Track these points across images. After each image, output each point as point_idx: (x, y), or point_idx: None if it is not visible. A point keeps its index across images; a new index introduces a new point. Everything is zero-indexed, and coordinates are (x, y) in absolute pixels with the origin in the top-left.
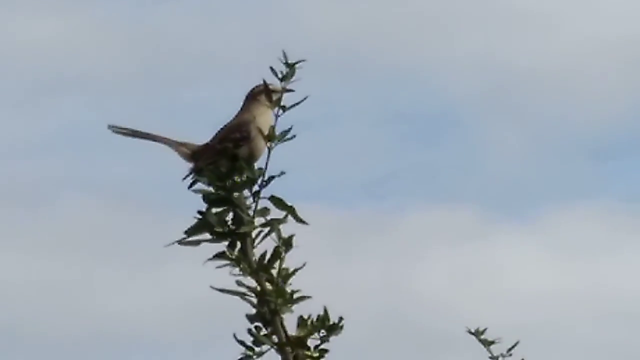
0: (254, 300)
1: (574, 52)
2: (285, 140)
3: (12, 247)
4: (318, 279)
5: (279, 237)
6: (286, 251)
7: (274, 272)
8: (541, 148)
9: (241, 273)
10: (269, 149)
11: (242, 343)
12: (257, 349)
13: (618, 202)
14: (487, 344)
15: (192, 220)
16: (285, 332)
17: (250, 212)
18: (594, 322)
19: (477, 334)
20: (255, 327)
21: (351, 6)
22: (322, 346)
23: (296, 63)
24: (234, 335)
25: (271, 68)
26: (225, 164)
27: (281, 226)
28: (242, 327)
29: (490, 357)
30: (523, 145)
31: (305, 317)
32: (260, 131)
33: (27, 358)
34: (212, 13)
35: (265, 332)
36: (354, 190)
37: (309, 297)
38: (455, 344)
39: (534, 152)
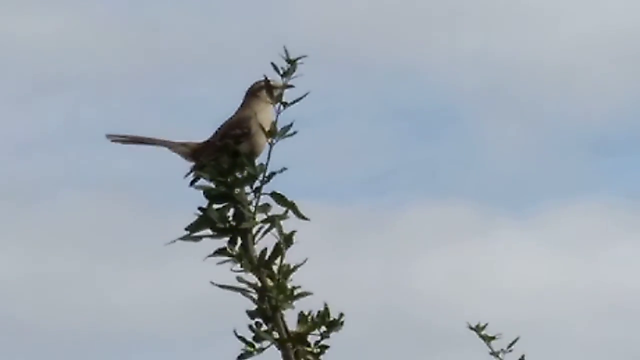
0: (255, 296)
1: (574, 47)
2: (286, 137)
3: (13, 244)
4: (319, 275)
5: (280, 233)
6: (287, 247)
7: (275, 268)
8: (541, 144)
9: (242, 269)
10: (270, 145)
11: (242, 339)
12: (257, 345)
13: (618, 197)
14: (488, 339)
15: (193, 217)
16: (286, 328)
17: (252, 208)
18: (594, 318)
19: (477, 329)
20: (256, 323)
21: (352, 3)
22: (322, 342)
23: (297, 59)
24: (235, 331)
25: (272, 64)
26: (227, 161)
27: (282, 222)
28: (243, 323)
29: (490, 353)
30: (523, 141)
31: (306, 313)
32: (261, 127)
33: (27, 354)
34: (212, 9)
35: (266, 328)
36: (354, 187)
37: (309, 293)
38: (455, 339)
39: (533, 148)
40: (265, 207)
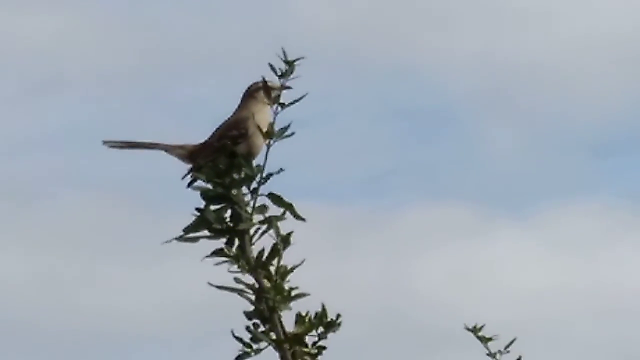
0: (252, 297)
1: (573, 48)
2: (283, 137)
3: (11, 244)
4: (316, 276)
5: (277, 234)
6: (284, 248)
7: (272, 269)
8: (540, 145)
9: (239, 270)
10: (268, 146)
11: (240, 340)
12: (255, 346)
13: (617, 198)
14: (485, 340)
15: (190, 218)
16: (283, 329)
17: (249, 209)
18: (593, 318)
19: (474, 330)
20: (254, 324)
21: (350, 3)
22: (320, 343)
23: (295, 60)
24: (232, 332)
25: (270, 65)
26: (224, 162)
27: (279, 223)
28: (240, 324)
29: (487, 354)
30: (522, 142)
31: (303, 314)
32: (259, 128)
33: (26, 354)
34: (211, 10)
35: (263, 329)
36: (352, 187)
37: (307, 294)
38: (453, 340)
39: (532, 149)
40: (263, 208)
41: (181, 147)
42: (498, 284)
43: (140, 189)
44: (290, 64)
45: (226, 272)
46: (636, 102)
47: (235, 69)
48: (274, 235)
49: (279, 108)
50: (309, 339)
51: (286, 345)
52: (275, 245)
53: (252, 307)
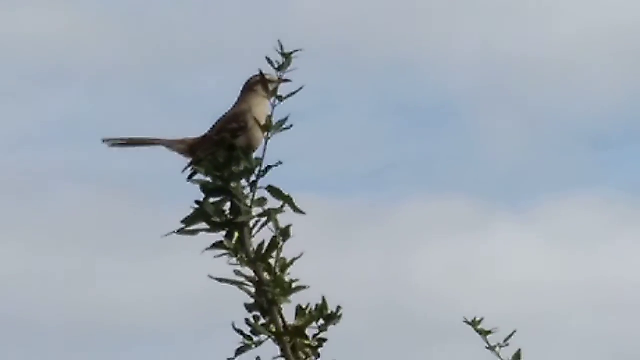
0: (252, 289)
1: (572, 42)
2: (282, 130)
3: (10, 238)
4: (316, 269)
5: (277, 227)
6: (284, 241)
7: (272, 262)
8: (539, 138)
9: (239, 263)
10: (266, 139)
11: (240, 332)
12: (255, 339)
13: (616, 191)
14: (484, 333)
15: (190, 211)
16: (284, 321)
17: (248, 202)
18: (592, 312)
19: (473, 324)
20: (254, 316)
21: None
22: (320, 335)
23: (292, 53)
24: (233, 325)
25: (267, 58)
26: (223, 155)
27: (278, 216)
28: (241, 317)
29: (487, 347)
30: (521, 135)
31: (304, 306)
32: (257, 121)
33: (26, 348)
34: (211, 5)
35: (264, 322)
36: (351, 180)
37: (306, 286)
38: (452, 333)
39: (532, 142)
40: (262, 201)
41: (181, 141)
42: (497, 277)
43: (139, 182)
44: (287, 56)
45: (226, 265)
46: (635, 94)
47: (234, 63)
48: (273, 228)
49: (277, 101)
50: (309, 332)
51: (286, 338)
52: (274, 238)
53: (252, 300)
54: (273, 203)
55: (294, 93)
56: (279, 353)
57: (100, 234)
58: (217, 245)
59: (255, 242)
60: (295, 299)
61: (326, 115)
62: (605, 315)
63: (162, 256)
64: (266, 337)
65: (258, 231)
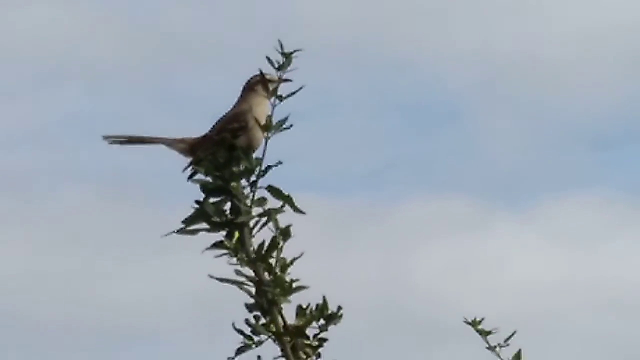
0: (252, 289)
1: (571, 41)
2: (282, 130)
3: (11, 238)
4: (316, 269)
5: (277, 227)
6: (284, 241)
7: (272, 262)
8: (539, 138)
9: (239, 263)
10: (267, 139)
11: (241, 332)
12: (256, 339)
13: (616, 191)
14: (485, 334)
15: (190, 211)
16: (284, 321)
17: (248, 202)
18: (592, 312)
19: (474, 324)
20: (255, 316)
21: None
22: (321, 335)
23: (292, 53)
24: (234, 325)
25: (267, 58)
26: (224, 155)
27: (279, 216)
28: (242, 317)
29: (487, 348)
30: (521, 135)
31: (305, 306)
32: (258, 121)
33: (26, 348)
34: (211, 4)
35: (264, 322)
36: (352, 180)
37: (306, 287)
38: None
39: (532, 142)
40: (262, 201)
41: (182, 141)
42: (498, 278)
43: (140, 182)
44: (287, 56)
45: (226, 265)
46: (635, 95)
47: (235, 63)
48: (273, 228)
49: (277, 101)
50: (310, 332)
51: (287, 338)
52: (274, 238)
53: (252, 300)
54: (273, 203)
55: (294, 93)
56: (280, 353)
57: (101, 234)
58: (218, 245)
59: (255, 242)
60: (296, 299)
61: (326, 115)
62: (605, 315)
63: (162, 256)
64: (267, 337)
65: (258, 231)
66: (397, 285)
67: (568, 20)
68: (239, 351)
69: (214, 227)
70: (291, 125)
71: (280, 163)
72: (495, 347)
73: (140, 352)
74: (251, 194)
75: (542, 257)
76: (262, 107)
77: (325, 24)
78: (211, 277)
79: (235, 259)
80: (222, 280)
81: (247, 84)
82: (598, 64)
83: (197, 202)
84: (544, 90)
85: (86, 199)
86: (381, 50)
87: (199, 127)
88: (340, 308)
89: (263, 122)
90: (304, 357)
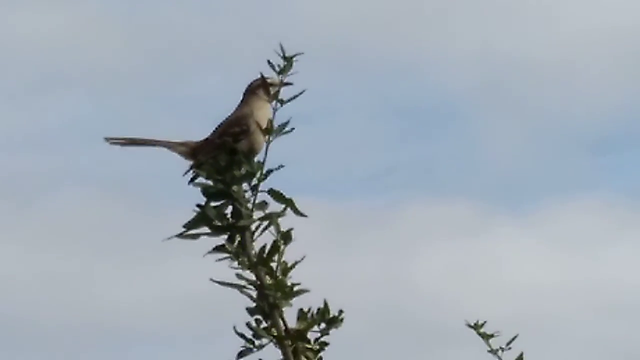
0: (254, 293)
1: (573, 44)
2: (283, 134)
3: (12, 241)
4: (317, 272)
5: (278, 230)
6: (285, 244)
7: (273, 265)
8: (540, 141)
9: (240, 267)
10: (268, 143)
11: (242, 336)
12: (257, 342)
13: (617, 195)
14: (486, 337)
15: (191, 214)
16: (285, 325)
17: (249, 206)
18: (592, 315)
19: (476, 327)
20: (256, 320)
21: (351, 0)
22: (322, 339)
23: (294, 56)
24: (234, 328)
25: (269, 61)
26: (225, 158)
27: (280, 219)
28: (243, 320)
29: (489, 351)
30: (522, 138)
31: (306, 310)
32: (259, 125)
33: (26, 350)
34: (211, 7)
35: (265, 325)
36: (353, 184)
37: (307, 290)
38: (454, 337)
39: (532, 145)
40: (263, 205)
41: (183, 144)
42: (499, 281)
43: (141, 186)
44: (288, 60)
45: (227, 269)
46: (635, 99)
47: (236, 66)
48: (274, 231)
49: (278, 104)
50: (311, 335)
51: (288, 342)
52: (276, 241)
53: (253, 304)
54: (274, 207)
55: (295, 96)
56: (281, 357)
57: (102, 237)
58: (219, 248)
59: (256, 246)
60: (297, 302)
61: (328, 118)
62: (605, 318)
63: (163, 260)
64: (268, 340)
65: (259, 235)
66: (398, 289)
67: (569, 23)
68: (240, 354)
69: (215, 231)
70: (292, 129)
71: (282, 166)
72: (497, 350)
73: (141, 356)
74: (252, 198)
75: (543, 260)
76: (264, 111)
77: (325, 27)
78: (212, 280)
79: (236, 263)
80: (223, 283)
81: (248, 87)
82: (599, 67)
83: (198, 205)
84: (545, 94)
85: (87, 202)
86: (381, 53)
87: (201, 130)
88: (341, 311)
89: (264, 126)
90: None
